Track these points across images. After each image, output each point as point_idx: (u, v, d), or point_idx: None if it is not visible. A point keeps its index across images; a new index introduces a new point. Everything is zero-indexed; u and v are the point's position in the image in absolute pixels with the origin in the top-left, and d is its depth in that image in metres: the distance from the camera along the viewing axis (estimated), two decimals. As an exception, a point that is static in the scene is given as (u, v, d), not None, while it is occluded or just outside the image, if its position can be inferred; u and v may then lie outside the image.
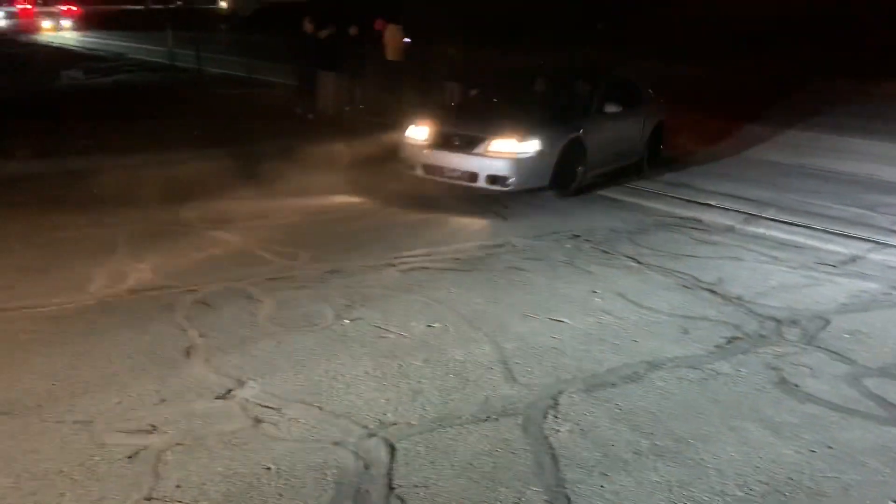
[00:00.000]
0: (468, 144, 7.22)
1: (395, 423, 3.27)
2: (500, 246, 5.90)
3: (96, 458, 2.92)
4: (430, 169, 7.46)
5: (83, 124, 10.46)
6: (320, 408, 3.38)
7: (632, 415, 3.43)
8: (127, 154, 8.60)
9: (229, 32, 22.59)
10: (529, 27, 27.94)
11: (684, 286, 5.12)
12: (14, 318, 4.21)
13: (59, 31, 37.46)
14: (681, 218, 6.95)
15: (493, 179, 7.07)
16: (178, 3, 25.42)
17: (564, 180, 7.46)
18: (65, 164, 8.20)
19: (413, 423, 3.28)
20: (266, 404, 3.38)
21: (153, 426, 3.16)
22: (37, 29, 37.31)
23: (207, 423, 3.21)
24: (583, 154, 7.60)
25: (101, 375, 3.60)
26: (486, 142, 7.15)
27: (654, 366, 3.93)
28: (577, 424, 3.32)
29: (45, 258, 5.25)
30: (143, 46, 26.10)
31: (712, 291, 5.03)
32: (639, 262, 5.58)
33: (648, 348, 4.15)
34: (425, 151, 7.48)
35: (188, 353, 3.87)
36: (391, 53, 12.32)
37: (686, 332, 4.38)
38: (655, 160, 9.24)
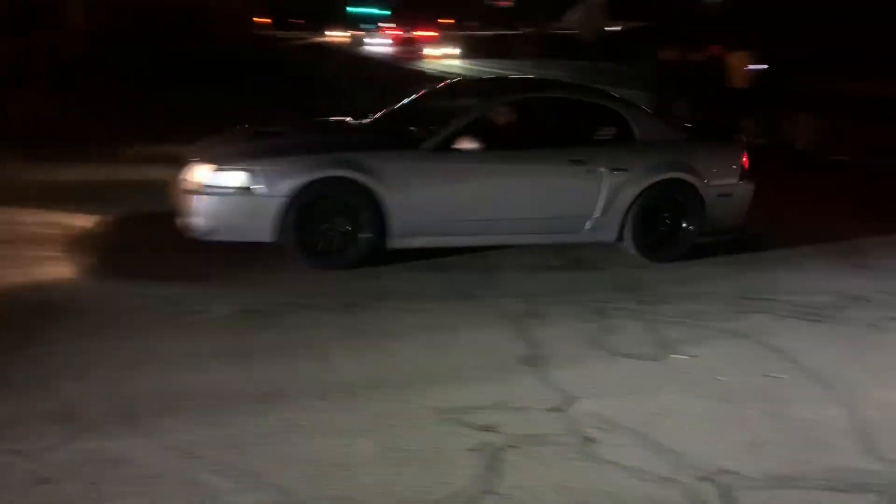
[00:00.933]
0: (188, 171, 5.24)
1: (731, 472, 3.07)
2: (857, 298, 5.25)
3: (444, 444, 3.18)
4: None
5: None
6: (650, 439, 3.31)
7: None
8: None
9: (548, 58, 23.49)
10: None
11: None
12: (388, 313, 4.67)
13: (445, 58, 35.64)
14: None
15: (185, 222, 5.16)
16: (525, 30, 27.08)
17: (311, 241, 5.16)
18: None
19: (751, 475, 3.06)
20: (596, 425, 3.41)
21: (492, 425, 3.35)
22: (417, 56, 35.77)
23: (541, 433, 3.32)
24: (369, 209, 5.15)
25: (445, 369, 3.94)
26: (190, 168, 5.18)
27: None
28: (958, 521, 2.83)
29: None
30: (485, 70, 28.14)
31: None
32: None
33: None
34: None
35: (522, 361, 4.06)
36: (736, 80, 11.74)
37: None
38: (660, 247, 5.81)
